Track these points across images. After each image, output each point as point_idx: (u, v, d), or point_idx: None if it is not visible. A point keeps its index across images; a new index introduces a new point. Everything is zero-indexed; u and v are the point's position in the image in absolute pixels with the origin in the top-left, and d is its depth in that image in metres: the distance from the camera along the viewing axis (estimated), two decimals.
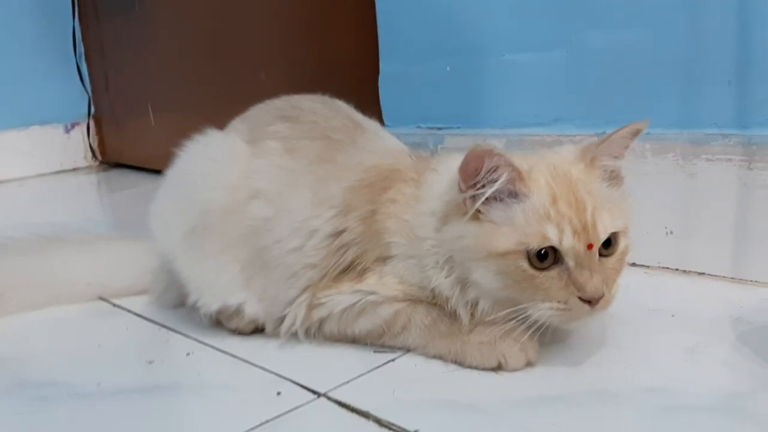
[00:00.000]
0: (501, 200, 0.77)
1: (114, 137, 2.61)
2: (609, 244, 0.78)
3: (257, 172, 0.94)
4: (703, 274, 1.05)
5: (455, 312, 0.84)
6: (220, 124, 1.04)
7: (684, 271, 1.07)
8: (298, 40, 1.80)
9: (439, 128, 1.35)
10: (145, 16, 2.29)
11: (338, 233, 0.88)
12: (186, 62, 2.19)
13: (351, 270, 0.88)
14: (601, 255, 0.77)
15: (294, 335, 0.91)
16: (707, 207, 1.03)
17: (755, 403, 0.72)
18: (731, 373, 0.79)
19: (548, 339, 0.82)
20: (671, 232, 1.07)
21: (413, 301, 0.87)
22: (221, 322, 0.97)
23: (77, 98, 2.62)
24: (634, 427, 0.70)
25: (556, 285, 0.76)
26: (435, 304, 0.86)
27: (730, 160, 1.00)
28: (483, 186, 0.77)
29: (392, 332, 0.87)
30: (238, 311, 0.94)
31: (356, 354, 0.88)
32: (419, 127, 1.38)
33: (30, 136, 2.51)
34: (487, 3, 1.23)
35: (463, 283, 0.82)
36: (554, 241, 0.75)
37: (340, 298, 0.88)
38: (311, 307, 0.89)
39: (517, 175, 0.77)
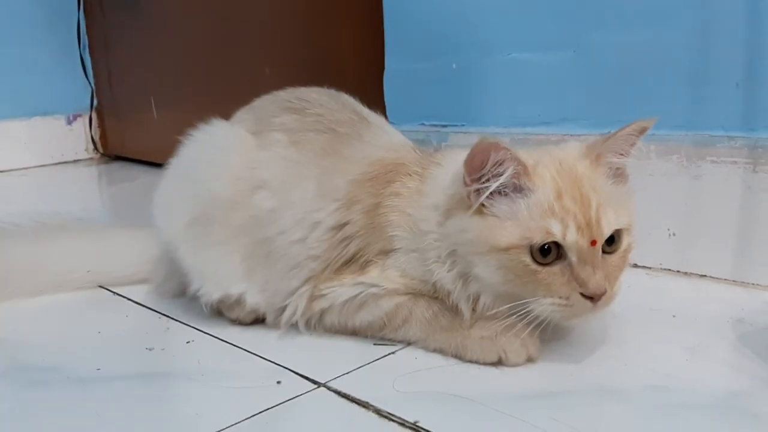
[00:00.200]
0: (505, 194, 0.77)
1: (116, 130, 2.61)
2: (612, 241, 0.78)
3: (262, 163, 0.94)
4: (705, 276, 1.05)
5: (457, 306, 0.84)
6: (223, 118, 1.03)
7: (685, 273, 1.07)
8: (303, 35, 1.80)
9: (444, 126, 1.35)
10: (150, 9, 2.29)
11: (341, 226, 0.88)
12: (190, 56, 2.18)
13: (353, 262, 0.88)
14: (604, 252, 0.77)
15: (294, 326, 0.91)
16: (711, 209, 1.03)
17: (755, 402, 0.72)
18: (732, 373, 0.79)
19: (549, 335, 0.82)
20: (674, 234, 1.07)
21: (415, 294, 0.87)
22: (222, 312, 0.97)
23: (80, 90, 2.62)
24: (635, 424, 0.70)
25: (558, 280, 0.76)
26: (436, 298, 0.86)
27: (735, 162, 1.00)
28: (488, 180, 0.77)
29: (393, 325, 0.87)
30: (239, 301, 0.94)
31: (356, 346, 0.88)
32: (423, 124, 1.39)
33: (32, 127, 2.51)
34: (495, 1, 1.23)
35: (465, 278, 0.82)
36: (558, 236, 0.75)
37: (341, 290, 0.88)
38: (312, 299, 0.89)
39: (523, 170, 0.76)
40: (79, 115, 2.62)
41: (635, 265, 1.09)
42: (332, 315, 0.89)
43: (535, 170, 0.78)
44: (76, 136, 2.62)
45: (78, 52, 2.59)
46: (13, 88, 2.44)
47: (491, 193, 0.77)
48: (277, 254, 0.91)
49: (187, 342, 0.93)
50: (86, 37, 2.61)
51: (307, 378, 0.80)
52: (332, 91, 1.04)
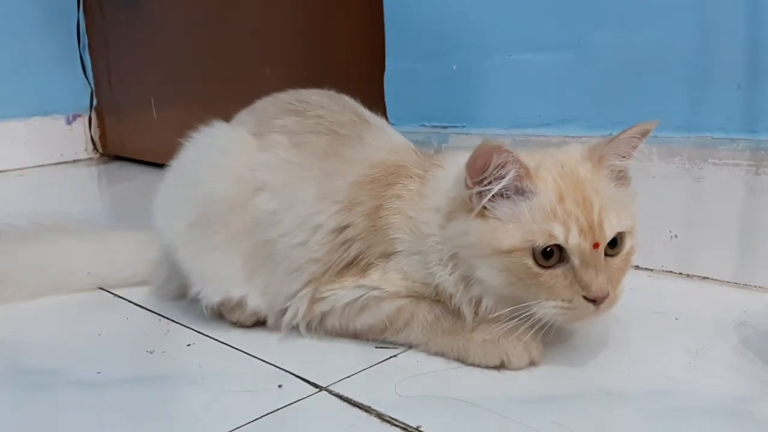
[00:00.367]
0: (507, 197, 0.77)
1: (115, 130, 2.61)
2: (615, 243, 0.77)
3: (263, 165, 0.94)
4: (707, 278, 1.05)
5: (459, 309, 0.83)
6: (224, 119, 1.03)
7: (687, 275, 1.07)
8: (303, 35, 1.80)
9: (444, 127, 1.35)
10: (150, 9, 2.28)
11: (342, 228, 0.88)
12: (190, 56, 2.18)
13: (354, 265, 0.88)
14: (606, 255, 0.77)
15: (295, 329, 0.91)
16: (713, 211, 1.03)
17: (758, 406, 0.72)
18: (735, 376, 0.79)
19: (551, 338, 0.82)
20: (676, 236, 1.07)
21: (416, 297, 0.86)
22: (222, 314, 0.97)
23: (80, 90, 2.62)
24: (637, 427, 0.70)
25: (560, 283, 0.75)
26: (438, 301, 0.86)
27: (737, 164, 0.99)
28: (490, 182, 0.76)
29: (394, 328, 0.87)
30: (240, 304, 0.93)
31: (358, 349, 0.88)
32: (423, 125, 1.38)
33: (31, 127, 2.50)
34: (496, 2, 1.22)
35: (467, 280, 0.82)
36: (560, 239, 0.74)
37: (342, 292, 0.87)
38: (313, 301, 0.89)
39: (525, 172, 0.76)
40: (79, 115, 2.62)
41: (637, 267, 1.09)
42: (333, 318, 0.89)
43: (538, 173, 0.77)
44: (76, 136, 2.62)
45: (78, 52, 2.59)
46: (13, 88, 2.44)
47: (493, 195, 0.77)
48: (278, 257, 0.91)
49: (188, 345, 0.92)
50: (86, 36, 2.61)
51: (308, 382, 0.80)
52: (333, 93, 1.03)
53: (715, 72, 1.00)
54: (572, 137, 1.14)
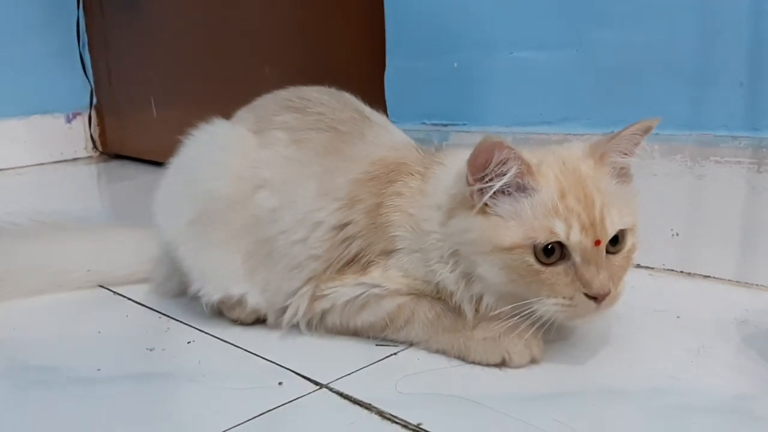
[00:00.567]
0: (509, 194, 0.77)
1: (115, 128, 2.60)
2: (616, 241, 0.77)
3: (263, 163, 0.94)
4: (709, 277, 1.05)
5: (459, 307, 0.83)
6: (224, 118, 1.03)
7: (689, 274, 1.07)
8: (303, 34, 1.79)
9: (445, 125, 1.35)
10: (150, 7, 2.28)
11: (343, 225, 0.88)
12: (189, 55, 2.18)
13: (355, 263, 0.88)
14: (608, 252, 0.77)
15: (296, 326, 0.91)
16: (714, 209, 1.02)
17: (759, 404, 0.72)
18: (736, 374, 0.79)
19: (552, 336, 0.82)
20: (677, 234, 1.07)
21: (417, 295, 0.86)
22: (223, 312, 0.96)
23: (79, 88, 2.61)
24: (638, 425, 0.69)
25: (562, 281, 0.75)
26: (439, 299, 0.85)
27: (739, 162, 0.99)
28: (491, 179, 0.76)
29: (395, 326, 0.86)
30: (240, 302, 0.93)
31: (358, 347, 0.88)
32: (424, 123, 1.38)
33: (31, 125, 2.50)
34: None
35: (468, 278, 0.81)
36: (561, 236, 0.74)
37: (343, 290, 0.87)
38: (314, 299, 0.89)
39: (526, 169, 0.76)
40: (79, 114, 2.61)
41: (638, 266, 1.09)
42: (334, 315, 0.89)
43: (539, 169, 0.77)
44: (76, 135, 2.61)
45: (77, 51, 2.58)
46: (13, 87, 2.43)
47: (494, 192, 0.76)
48: (278, 254, 0.91)
49: (188, 342, 0.92)
50: (86, 35, 2.60)
51: (308, 379, 0.80)
52: (334, 90, 1.03)
53: (717, 70, 1.00)
54: (574, 135, 1.13)
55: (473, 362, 0.81)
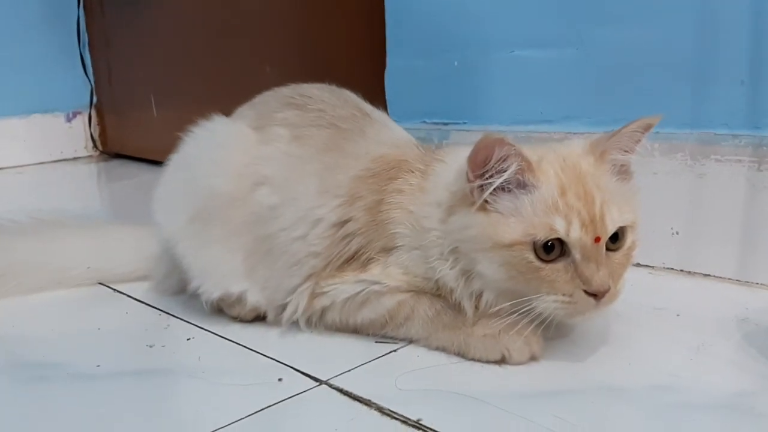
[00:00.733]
0: (509, 191, 0.77)
1: (115, 127, 2.60)
2: (616, 238, 0.77)
3: (264, 159, 0.94)
4: (709, 275, 1.05)
5: (459, 304, 0.83)
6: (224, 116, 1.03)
7: (689, 272, 1.07)
8: (303, 33, 1.79)
9: (445, 123, 1.35)
10: (150, 6, 2.28)
11: (343, 222, 0.88)
12: (190, 54, 2.18)
13: (355, 260, 0.88)
14: (608, 249, 0.77)
15: (295, 323, 0.90)
16: (715, 208, 1.02)
17: (760, 402, 0.71)
18: (737, 372, 0.79)
19: (552, 334, 0.82)
20: (677, 233, 1.06)
21: (417, 292, 0.86)
22: (222, 309, 0.96)
23: (80, 87, 2.61)
24: (638, 423, 0.69)
25: (561, 278, 0.75)
26: (439, 296, 0.85)
27: (739, 161, 0.99)
28: (491, 176, 0.76)
29: (395, 323, 0.86)
30: (240, 299, 0.93)
31: (358, 344, 0.87)
32: (425, 122, 1.38)
33: (31, 124, 2.50)
34: None
35: (468, 275, 0.81)
36: (561, 232, 0.74)
37: (343, 287, 0.87)
38: (313, 296, 0.89)
39: (527, 166, 0.76)
40: (79, 113, 2.61)
41: (638, 264, 1.09)
42: (334, 312, 0.88)
43: (539, 166, 0.77)
44: (76, 134, 2.61)
45: (78, 50, 2.58)
46: (13, 86, 2.43)
47: (495, 189, 0.76)
48: (278, 251, 0.91)
49: (188, 339, 0.92)
50: (86, 34, 2.60)
51: (308, 375, 0.80)
52: (334, 88, 1.03)
53: (718, 68, 1.00)
54: (574, 134, 1.13)
55: (473, 359, 0.81)
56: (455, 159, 0.85)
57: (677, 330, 0.89)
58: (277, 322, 0.92)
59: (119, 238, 1.18)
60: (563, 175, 0.76)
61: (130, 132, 2.53)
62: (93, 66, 2.62)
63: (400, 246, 0.86)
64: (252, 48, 1.94)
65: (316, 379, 0.79)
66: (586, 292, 0.74)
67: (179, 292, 1.04)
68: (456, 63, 1.30)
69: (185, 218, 0.94)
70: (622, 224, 0.77)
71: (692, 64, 1.02)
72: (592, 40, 1.12)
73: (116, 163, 2.53)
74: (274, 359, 0.84)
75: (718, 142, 1.01)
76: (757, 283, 1.00)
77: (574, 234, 0.74)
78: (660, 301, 0.97)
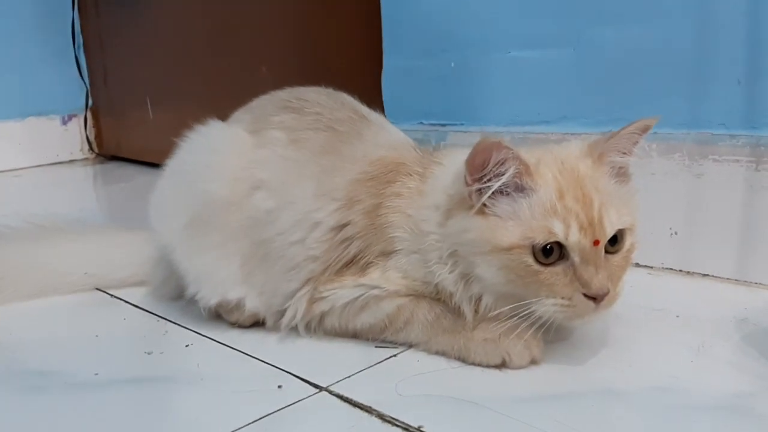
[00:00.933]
0: (507, 194, 0.77)
1: (111, 130, 2.60)
2: (615, 241, 0.77)
3: (260, 163, 0.93)
4: (708, 275, 1.05)
5: (459, 308, 0.83)
6: (220, 118, 1.02)
7: (688, 273, 1.07)
8: (300, 34, 1.79)
9: (442, 125, 1.35)
10: (145, 8, 2.27)
11: (341, 226, 0.87)
12: (186, 56, 2.17)
13: (354, 264, 0.87)
14: (607, 252, 0.76)
15: (294, 329, 0.90)
16: (713, 208, 1.02)
17: (760, 402, 0.71)
18: (736, 373, 0.78)
19: (552, 337, 0.81)
20: (676, 233, 1.06)
21: (416, 296, 0.86)
22: (221, 315, 0.96)
23: (75, 90, 2.61)
24: (639, 425, 0.69)
25: (560, 281, 0.75)
26: (438, 300, 0.85)
27: (737, 161, 0.99)
28: (490, 179, 0.76)
29: (395, 327, 0.86)
30: (238, 305, 0.93)
31: (357, 349, 0.87)
32: (422, 123, 1.38)
33: (27, 127, 2.49)
34: None
35: (467, 278, 0.81)
36: (560, 236, 0.74)
37: (342, 292, 0.87)
38: (312, 301, 0.88)
39: (525, 169, 0.76)
40: (74, 115, 2.61)
41: (637, 265, 1.09)
42: (333, 317, 0.88)
43: (537, 169, 0.77)
44: (71, 137, 2.61)
45: (73, 52, 2.58)
46: (7, 88, 2.42)
47: (493, 192, 0.76)
48: (275, 255, 0.90)
49: (186, 345, 0.91)
50: (81, 36, 2.59)
51: (308, 382, 0.79)
52: (331, 91, 1.03)
53: (715, 68, 1.00)
54: (572, 134, 1.13)
55: (473, 363, 0.81)
56: (453, 162, 0.85)
57: (677, 331, 0.89)
58: (276, 328, 0.91)
59: (116, 243, 1.17)
60: (561, 178, 0.76)
61: (126, 134, 2.52)
62: (88, 68, 2.61)
63: (399, 250, 0.85)
64: (248, 49, 1.93)
65: (315, 386, 0.78)
66: (585, 295, 0.74)
67: (177, 297, 1.04)
68: (453, 64, 1.30)
69: (182, 224, 0.94)
70: (620, 227, 0.77)
71: (689, 65, 1.02)
72: (589, 40, 1.11)
73: (112, 166, 2.52)
74: (273, 365, 0.84)
75: (716, 142, 1.01)
76: (756, 283, 1.00)
77: (573, 237, 0.74)
78: (659, 302, 0.97)
